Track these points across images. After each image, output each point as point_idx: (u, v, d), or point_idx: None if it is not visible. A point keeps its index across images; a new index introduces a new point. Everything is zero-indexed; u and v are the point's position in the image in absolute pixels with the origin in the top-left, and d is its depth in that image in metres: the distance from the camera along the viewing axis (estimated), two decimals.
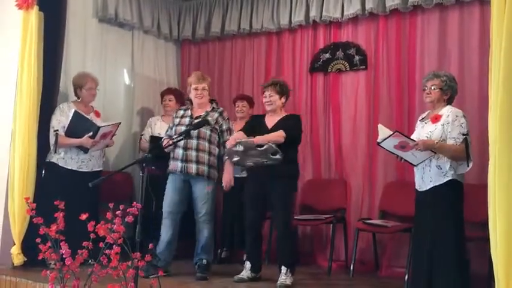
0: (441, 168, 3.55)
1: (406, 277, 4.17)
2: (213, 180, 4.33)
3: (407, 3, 4.89)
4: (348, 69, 5.34)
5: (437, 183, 3.57)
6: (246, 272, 4.17)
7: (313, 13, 5.42)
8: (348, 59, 5.33)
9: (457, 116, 3.57)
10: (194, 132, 4.23)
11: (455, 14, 4.82)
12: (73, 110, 4.49)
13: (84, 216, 2.69)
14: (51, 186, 4.32)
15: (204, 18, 6.21)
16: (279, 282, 3.96)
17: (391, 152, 3.72)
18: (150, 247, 3.03)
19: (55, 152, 4.47)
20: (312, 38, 5.59)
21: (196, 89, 4.39)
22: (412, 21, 5.02)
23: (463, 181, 3.61)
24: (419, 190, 3.72)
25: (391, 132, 3.59)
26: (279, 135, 4.05)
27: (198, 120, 4.32)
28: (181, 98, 5.37)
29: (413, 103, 4.93)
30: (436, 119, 3.64)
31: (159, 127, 5.24)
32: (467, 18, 4.76)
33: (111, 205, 2.72)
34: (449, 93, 3.72)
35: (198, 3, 6.28)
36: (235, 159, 4.14)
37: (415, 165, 3.70)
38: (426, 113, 3.85)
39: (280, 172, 4.02)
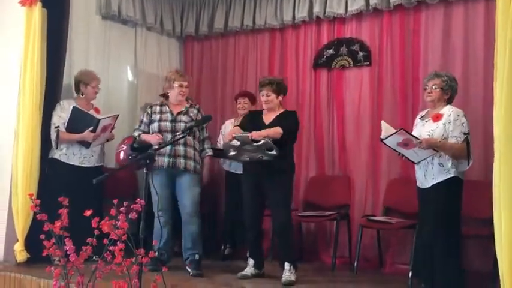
0: (443, 166, 3.61)
1: (410, 273, 4.17)
2: (198, 175, 4.35)
3: None
4: (352, 65, 5.32)
5: (439, 180, 3.63)
6: (249, 269, 4.17)
7: (316, 9, 5.40)
8: (352, 55, 5.31)
9: (458, 116, 3.64)
10: (180, 127, 4.24)
11: (459, 9, 4.79)
12: (72, 106, 4.50)
13: (88, 213, 2.69)
14: (54, 182, 4.33)
15: (207, 15, 6.20)
16: (283, 278, 3.96)
17: (393, 149, 3.74)
18: (154, 243, 3.03)
19: (57, 148, 4.48)
20: (316, 34, 5.56)
21: (181, 86, 4.39)
22: (416, 17, 4.99)
23: (463, 178, 3.65)
24: (421, 187, 3.75)
25: (395, 130, 3.61)
26: (276, 131, 4.04)
27: (181, 116, 4.33)
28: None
29: (417, 99, 4.90)
30: (437, 117, 3.69)
31: None
32: (472, 13, 4.73)
33: (115, 201, 2.72)
34: (450, 93, 3.79)
35: (201, 0, 6.27)
36: (232, 153, 4.15)
37: (416, 163, 3.72)
38: (425, 111, 3.88)
39: (275, 168, 4.02)
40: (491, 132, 2.90)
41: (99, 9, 5.46)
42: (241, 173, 4.74)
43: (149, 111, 4.47)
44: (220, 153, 4.86)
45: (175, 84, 4.39)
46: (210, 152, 4.50)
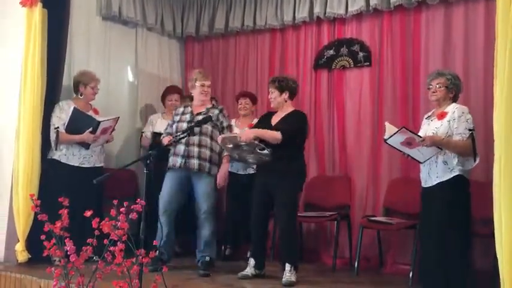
0: (447, 164, 3.56)
1: (411, 274, 4.17)
2: (214, 177, 4.34)
3: None
4: (352, 65, 5.32)
5: (443, 179, 3.59)
6: (250, 269, 4.17)
7: (317, 9, 5.40)
8: (352, 55, 5.31)
9: (463, 113, 3.60)
10: (196, 129, 4.23)
11: (460, 10, 4.79)
12: (72, 107, 4.50)
13: (88, 213, 2.69)
14: (54, 182, 4.32)
15: (207, 15, 6.21)
16: (284, 279, 3.95)
17: (397, 149, 3.73)
18: (154, 243, 3.03)
19: (56, 149, 4.49)
20: (316, 35, 5.57)
21: (203, 85, 4.39)
22: (416, 17, 4.99)
23: (469, 177, 3.61)
24: (424, 186, 3.72)
25: (397, 129, 3.59)
26: (273, 135, 4.04)
27: (199, 117, 4.32)
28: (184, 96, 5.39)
29: (417, 99, 4.91)
30: (441, 115, 3.67)
31: (160, 124, 5.23)
32: (472, 14, 4.73)
33: (115, 202, 2.72)
34: (454, 91, 3.75)
35: (201, 0, 6.27)
36: (236, 156, 4.17)
37: (421, 163, 3.70)
38: (432, 111, 3.86)
39: (282, 170, 4.02)
40: (492, 133, 2.90)
41: (100, 10, 5.47)
42: (242, 173, 4.73)
43: (174, 113, 4.53)
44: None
45: (197, 84, 4.40)
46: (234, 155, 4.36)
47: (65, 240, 2.77)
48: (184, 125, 4.30)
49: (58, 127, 4.47)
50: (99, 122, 4.48)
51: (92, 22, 5.39)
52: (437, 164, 3.60)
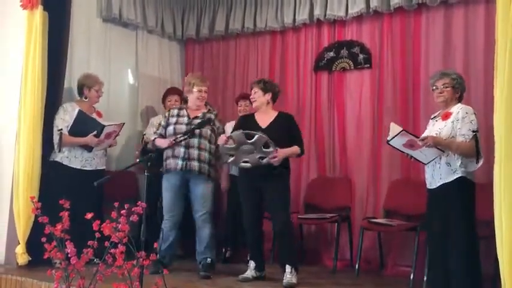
0: (451, 165, 3.53)
1: (412, 276, 4.17)
2: (212, 179, 4.35)
3: (412, 1, 4.88)
4: (353, 67, 5.33)
5: (446, 181, 3.55)
6: (250, 271, 4.17)
7: (317, 11, 5.41)
8: (353, 57, 5.32)
9: (467, 113, 3.55)
10: (196, 131, 4.24)
11: (460, 12, 4.80)
12: (77, 109, 4.51)
13: (89, 216, 2.69)
14: (56, 185, 4.32)
15: (208, 18, 6.21)
16: (285, 281, 3.95)
17: (400, 151, 3.72)
18: (155, 246, 3.03)
19: (59, 151, 4.48)
20: (316, 37, 5.57)
21: (200, 90, 4.39)
22: (416, 19, 5.00)
23: (473, 179, 3.56)
24: (429, 188, 3.70)
25: (398, 131, 3.58)
26: (293, 151, 4.10)
27: (197, 120, 4.31)
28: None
29: (418, 101, 4.91)
30: (446, 116, 3.63)
31: None
32: (472, 16, 4.73)
33: (116, 204, 2.72)
34: (460, 91, 3.72)
35: (202, 3, 6.27)
36: (231, 159, 4.15)
37: (425, 164, 3.69)
38: (438, 111, 3.82)
39: (273, 171, 4.02)
40: (492, 134, 2.90)
41: (100, 12, 5.48)
42: None
43: (167, 115, 4.50)
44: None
45: (195, 89, 4.38)
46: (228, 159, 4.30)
47: (66, 243, 2.76)
48: (183, 128, 4.30)
49: (61, 129, 4.47)
50: (103, 126, 4.48)
51: (92, 24, 5.39)
52: (441, 165, 3.57)
